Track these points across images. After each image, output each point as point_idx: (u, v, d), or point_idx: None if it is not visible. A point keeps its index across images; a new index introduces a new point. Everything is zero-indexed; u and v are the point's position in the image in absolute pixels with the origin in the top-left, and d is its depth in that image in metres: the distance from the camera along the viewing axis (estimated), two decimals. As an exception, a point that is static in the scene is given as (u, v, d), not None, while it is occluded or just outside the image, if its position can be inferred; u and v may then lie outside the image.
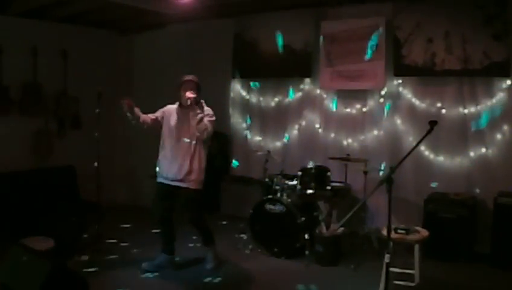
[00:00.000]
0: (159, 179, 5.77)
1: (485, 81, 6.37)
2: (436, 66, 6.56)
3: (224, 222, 7.91)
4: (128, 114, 5.59)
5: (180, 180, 5.59)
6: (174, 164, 5.59)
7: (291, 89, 7.98)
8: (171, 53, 8.97)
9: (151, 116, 5.79)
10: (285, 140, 8.07)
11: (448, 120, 6.58)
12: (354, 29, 7.15)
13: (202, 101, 5.73)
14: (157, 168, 5.80)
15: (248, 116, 8.47)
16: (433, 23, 6.53)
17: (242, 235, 6.83)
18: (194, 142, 5.59)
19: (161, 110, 5.87)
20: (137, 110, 5.67)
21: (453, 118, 6.60)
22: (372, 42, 6.96)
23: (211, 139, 5.79)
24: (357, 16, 7.17)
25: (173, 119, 5.68)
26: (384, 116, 7.12)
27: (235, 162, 8.53)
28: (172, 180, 5.63)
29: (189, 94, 5.48)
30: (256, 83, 8.33)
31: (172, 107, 5.77)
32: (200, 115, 5.44)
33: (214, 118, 5.66)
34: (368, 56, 7.00)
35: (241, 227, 7.02)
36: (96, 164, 6.44)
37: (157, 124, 5.79)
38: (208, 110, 5.70)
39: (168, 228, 5.86)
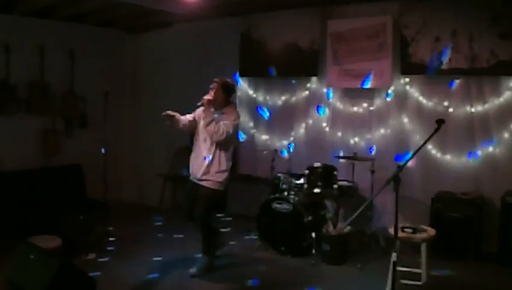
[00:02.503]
0: (190, 176, 5.89)
1: (492, 79, 6.35)
2: (443, 65, 6.54)
3: (231, 221, 7.91)
4: (167, 123, 5.78)
5: (200, 180, 5.66)
6: (197, 163, 5.70)
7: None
8: (178, 52, 8.98)
9: (189, 117, 5.89)
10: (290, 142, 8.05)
11: (455, 119, 6.57)
12: (361, 28, 7.13)
13: (234, 103, 5.99)
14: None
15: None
16: (440, 22, 6.51)
17: (249, 234, 6.83)
18: (212, 143, 5.61)
19: (195, 111, 5.92)
20: (177, 115, 5.80)
21: (460, 117, 6.58)
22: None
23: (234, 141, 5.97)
24: (363, 14, 7.16)
25: (201, 119, 5.73)
26: (391, 114, 7.11)
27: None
28: (194, 177, 5.75)
29: (206, 96, 5.58)
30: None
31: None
32: (208, 118, 5.48)
33: (230, 122, 5.59)
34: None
35: (248, 226, 7.02)
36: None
37: (194, 125, 5.88)
38: (230, 112, 5.72)
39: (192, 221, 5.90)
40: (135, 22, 8.85)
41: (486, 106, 6.40)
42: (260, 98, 8.38)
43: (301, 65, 7.73)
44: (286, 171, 6.96)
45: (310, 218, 6.27)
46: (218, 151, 5.62)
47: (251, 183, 8.16)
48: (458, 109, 6.60)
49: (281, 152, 7.50)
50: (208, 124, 5.48)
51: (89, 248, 6.35)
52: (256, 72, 8.29)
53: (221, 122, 5.51)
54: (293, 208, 6.31)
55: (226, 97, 5.77)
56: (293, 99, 8.05)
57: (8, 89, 7.35)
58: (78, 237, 6.43)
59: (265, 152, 7.43)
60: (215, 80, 5.77)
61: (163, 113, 5.70)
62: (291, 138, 8.05)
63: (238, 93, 8.59)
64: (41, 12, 7.53)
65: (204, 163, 5.61)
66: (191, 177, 5.83)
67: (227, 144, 5.69)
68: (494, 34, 6.12)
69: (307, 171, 6.55)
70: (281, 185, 6.70)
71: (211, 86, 5.73)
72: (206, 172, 5.61)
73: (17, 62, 7.38)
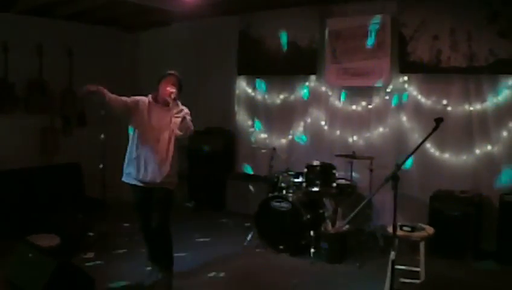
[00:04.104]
0: (133, 182, 5.14)
1: (491, 78, 6.34)
2: (441, 63, 6.54)
3: (229, 220, 7.92)
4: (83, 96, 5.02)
5: (159, 182, 5.03)
6: (153, 165, 5.01)
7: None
8: (176, 50, 8.97)
9: (125, 99, 5.08)
10: (296, 138, 8.07)
11: (453, 117, 6.57)
12: (360, 26, 7.14)
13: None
14: (128, 170, 5.17)
15: (255, 116, 8.47)
16: (438, 20, 6.51)
17: (248, 233, 6.82)
18: (172, 141, 5.06)
19: (134, 98, 5.17)
20: (105, 91, 4.90)
21: (458, 115, 6.58)
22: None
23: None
24: (362, 13, 7.16)
25: (151, 116, 5.07)
26: (389, 113, 7.12)
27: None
28: (149, 183, 5.04)
29: (171, 88, 4.97)
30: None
31: (145, 101, 5.16)
32: (183, 113, 4.92)
33: (189, 116, 5.06)
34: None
35: (247, 224, 7.02)
36: (101, 165, 6.45)
37: (126, 112, 5.10)
38: (185, 108, 5.10)
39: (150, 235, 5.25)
40: (133, 21, 8.83)
41: (485, 104, 6.40)
42: (259, 96, 8.38)
43: (300, 63, 7.73)
44: (285, 169, 6.97)
45: (308, 216, 6.27)
46: (173, 149, 5.07)
47: (250, 181, 8.16)
48: (457, 107, 6.60)
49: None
50: (183, 120, 4.87)
51: (88, 246, 6.34)
52: (254, 70, 8.29)
53: (188, 118, 4.98)
54: (292, 206, 6.30)
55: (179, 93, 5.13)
56: (292, 97, 8.05)
57: (6, 88, 7.35)
58: (76, 235, 6.43)
59: (263, 150, 7.43)
60: (172, 72, 5.18)
61: (85, 89, 4.79)
62: (290, 136, 8.08)
63: (237, 91, 8.61)
64: (40, 11, 7.52)
65: (163, 166, 5.02)
66: (137, 183, 5.10)
67: (177, 140, 5.15)
68: (492, 33, 6.12)
69: (305, 170, 6.55)
70: (279, 183, 6.69)
71: (166, 79, 5.10)
72: (169, 174, 5.05)
73: (16, 61, 7.37)
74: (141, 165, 5.04)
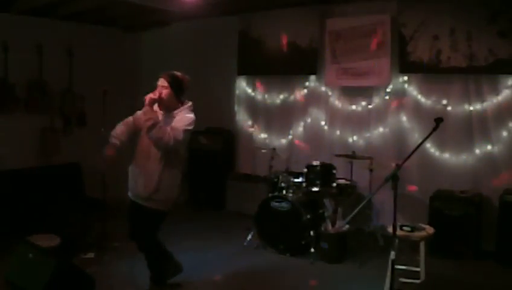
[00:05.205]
0: (129, 193, 4.85)
1: (491, 78, 6.34)
2: (441, 63, 6.54)
3: (229, 220, 7.92)
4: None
5: (146, 199, 4.64)
6: (141, 179, 4.63)
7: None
8: (176, 50, 8.98)
9: (124, 126, 4.88)
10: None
11: (453, 117, 6.57)
12: (359, 27, 7.14)
13: (189, 102, 4.76)
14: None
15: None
16: (438, 20, 6.51)
17: (248, 233, 6.82)
18: (161, 153, 4.55)
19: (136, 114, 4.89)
20: (117, 144, 4.76)
21: (458, 115, 6.58)
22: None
23: (184, 150, 4.90)
24: (362, 13, 7.16)
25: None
26: (389, 113, 7.11)
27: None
28: (137, 197, 4.72)
29: (149, 95, 4.59)
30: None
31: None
32: (150, 122, 4.37)
33: (182, 126, 4.49)
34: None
35: (247, 224, 7.02)
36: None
37: (135, 132, 4.82)
38: (183, 114, 4.63)
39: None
40: (133, 21, 8.83)
41: (485, 104, 6.40)
42: (259, 96, 8.38)
43: (300, 63, 7.73)
44: (285, 169, 6.97)
45: (308, 216, 6.26)
46: (168, 163, 4.59)
47: (250, 182, 8.17)
48: (457, 107, 6.60)
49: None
50: (149, 129, 4.37)
51: (88, 246, 6.34)
52: (254, 70, 8.29)
53: (169, 127, 4.44)
54: (292, 206, 6.30)
55: (177, 96, 4.66)
56: (292, 97, 8.05)
57: (6, 88, 7.34)
58: (77, 235, 6.43)
59: (263, 151, 7.43)
60: (162, 74, 4.70)
61: (106, 156, 4.68)
62: (290, 136, 8.08)
63: (237, 91, 8.60)
64: (40, 11, 7.52)
65: (153, 179, 4.56)
66: (130, 195, 4.82)
67: (177, 153, 4.67)
68: (492, 33, 6.12)
69: (305, 170, 6.55)
70: (279, 183, 6.69)
71: (158, 83, 4.68)
72: (156, 190, 4.58)
73: (16, 61, 7.37)
74: (134, 178, 4.75)
